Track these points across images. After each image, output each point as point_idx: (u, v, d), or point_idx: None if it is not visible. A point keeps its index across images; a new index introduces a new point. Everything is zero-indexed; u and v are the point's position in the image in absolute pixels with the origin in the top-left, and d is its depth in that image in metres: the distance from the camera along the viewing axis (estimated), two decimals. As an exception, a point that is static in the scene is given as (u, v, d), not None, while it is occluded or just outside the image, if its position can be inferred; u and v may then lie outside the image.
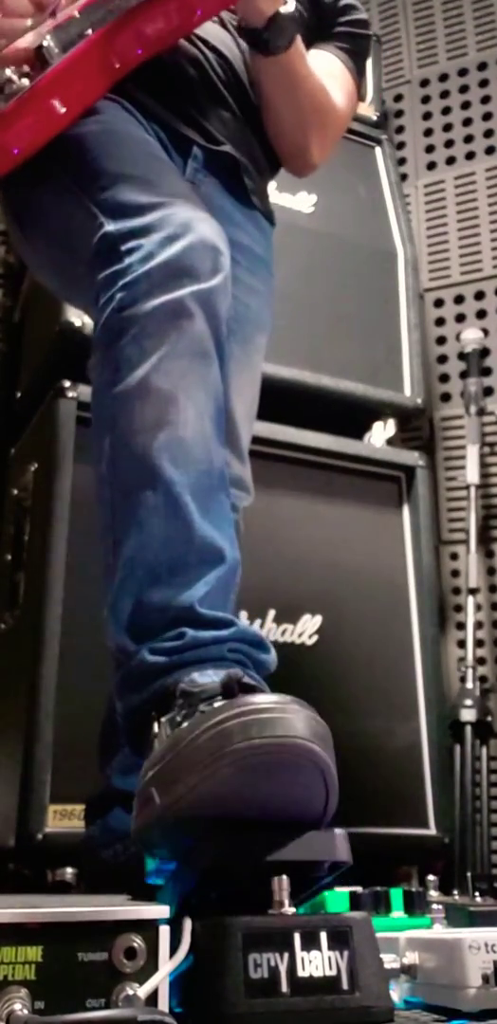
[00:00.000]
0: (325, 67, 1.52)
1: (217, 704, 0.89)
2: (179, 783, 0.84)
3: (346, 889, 1.27)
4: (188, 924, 0.76)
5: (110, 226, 1.15)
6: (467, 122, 3.03)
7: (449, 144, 3.05)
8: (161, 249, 1.11)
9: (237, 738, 0.82)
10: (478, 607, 2.63)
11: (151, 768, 0.90)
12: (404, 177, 3.01)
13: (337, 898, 1.22)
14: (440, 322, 2.95)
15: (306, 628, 2.14)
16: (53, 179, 1.25)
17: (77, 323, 2.01)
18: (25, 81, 1.15)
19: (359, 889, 1.29)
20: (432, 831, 2.15)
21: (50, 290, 1.58)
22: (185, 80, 1.40)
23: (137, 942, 0.72)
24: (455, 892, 2.14)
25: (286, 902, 0.81)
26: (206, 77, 1.42)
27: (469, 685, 2.48)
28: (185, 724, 0.89)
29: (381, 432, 2.48)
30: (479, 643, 2.65)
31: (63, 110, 1.17)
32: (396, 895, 1.34)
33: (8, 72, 1.15)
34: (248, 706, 0.84)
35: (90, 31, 1.17)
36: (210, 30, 1.43)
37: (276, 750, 0.82)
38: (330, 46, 1.55)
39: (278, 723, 0.83)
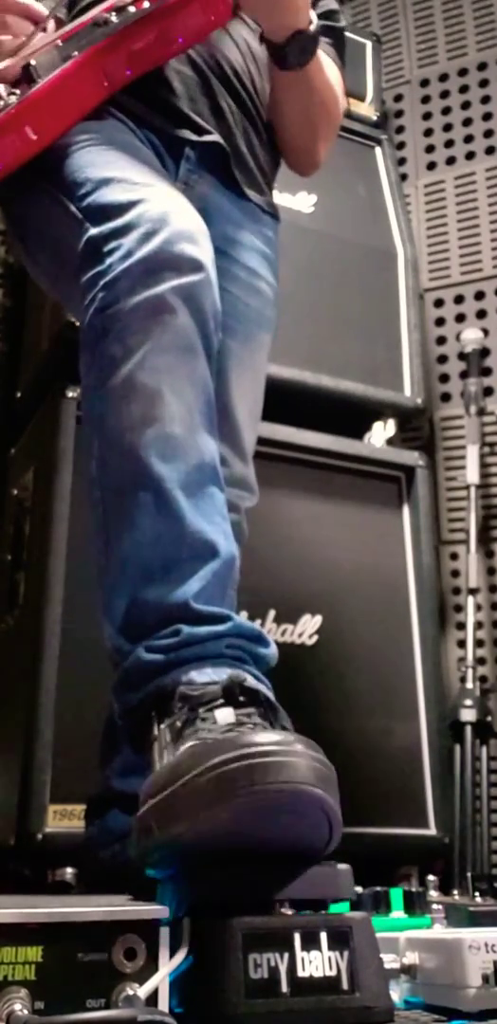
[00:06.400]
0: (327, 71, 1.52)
1: (219, 719, 0.89)
2: (178, 822, 0.83)
3: (346, 889, 1.26)
4: (188, 924, 0.77)
5: (93, 230, 1.15)
6: (467, 122, 3.03)
7: (449, 144, 3.04)
8: (139, 246, 1.10)
9: (240, 783, 0.80)
10: (478, 607, 2.63)
11: (151, 797, 0.88)
12: (404, 177, 3.00)
13: (337, 898, 1.22)
14: (440, 322, 2.95)
15: (306, 628, 2.14)
16: (42, 193, 1.26)
17: (77, 323, 2.01)
18: (13, 99, 1.17)
19: (359, 889, 1.29)
20: (432, 831, 2.15)
21: (59, 303, 1.59)
22: (177, 76, 1.39)
23: (137, 942, 0.72)
24: (455, 892, 2.14)
25: (286, 903, 0.81)
26: (200, 72, 1.41)
27: (469, 685, 2.48)
28: (186, 744, 0.88)
29: (381, 432, 2.48)
30: (479, 643, 2.64)
31: (45, 129, 1.20)
32: (396, 895, 1.34)
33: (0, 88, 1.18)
34: (251, 747, 0.82)
35: (76, 53, 1.20)
36: (213, 36, 1.43)
37: (279, 796, 0.81)
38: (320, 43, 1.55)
39: (282, 768, 0.81)
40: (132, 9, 1.21)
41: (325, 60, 1.49)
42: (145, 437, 1.05)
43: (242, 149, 1.45)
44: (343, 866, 0.87)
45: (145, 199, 1.14)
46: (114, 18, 1.21)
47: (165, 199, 1.16)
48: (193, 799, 0.82)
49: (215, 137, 1.41)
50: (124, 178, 1.19)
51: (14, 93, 1.18)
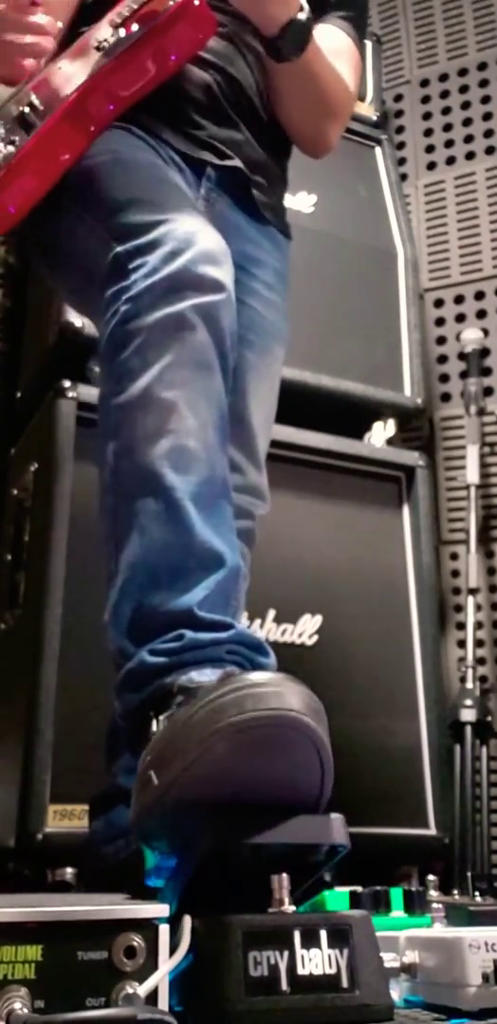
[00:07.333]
0: (332, 45, 1.51)
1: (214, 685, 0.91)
2: (176, 761, 0.86)
3: (346, 888, 1.27)
4: (188, 922, 0.77)
5: (119, 248, 1.18)
6: (467, 122, 3.03)
7: (449, 144, 3.04)
8: (164, 264, 1.13)
9: (232, 711, 0.84)
10: (478, 607, 2.63)
11: (149, 753, 0.91)
12: (404, 177, 3.00)
13: (337, 897, 1.22)
14: (440, 322, 2.95)
15: (306, 628, 2.14)
16: (68, 212, 1.29)
17: (77, 323, 2.01)
18: (11, 148, 1.22)
19: (359, 888, 1.29)
20: (432, 831, 2.15)
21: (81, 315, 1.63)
22: (193, 105, 1.41)
23: (137, 941, 0.72)
24: (455, 892, 2.14)
25: (286, 900, 0.81)
26: (214, 99, 1.43)
27: (469, 685, 2.48)
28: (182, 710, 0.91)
29: (381, 432, 2.48)
30: (479, 643, 2.64)
31: (48, 170, 1.24)
32: (396, 894, 1.34)
33: None
34: (243, 681, 0.86)
35: (69, 91, 1.24)
36: (215, 48, 1.43)
37: (270, 722, 0.84)
38: (331, 17, 1.55)
39: (272, 696, 0.84)
40: (122, 32, 1.24)
41: (334, 37, 1.50)
42: (159, 448, 1.08)
43: (257, 176, 1.48)
44: (336, 815, 0.88)
45: (170, 219, 1.17)
46: (107, 41, 1.24)
47: (189, 220, 1.19)
48: (188, 737, 0.85)
49: (236, 163, 1.44)
50: (149, 198, 1.22)
51: (12, 143, 1.23)
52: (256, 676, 0.87)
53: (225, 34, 1.44)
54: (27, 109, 1.24)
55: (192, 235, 1.16)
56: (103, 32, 1.26)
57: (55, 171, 1.24)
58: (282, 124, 1.53)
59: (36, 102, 1.24)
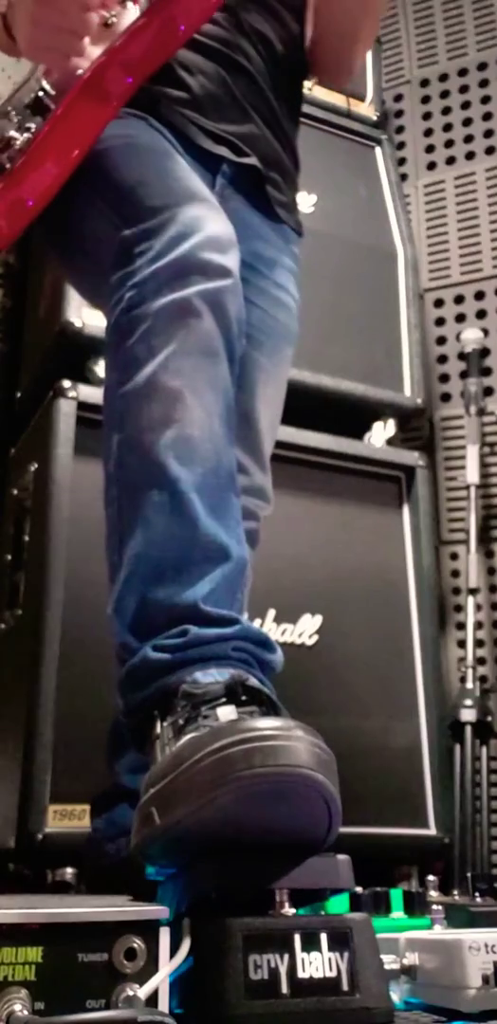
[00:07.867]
0: None
1: (221, 717, 0.89)
2: (179, 807, 0.83)
3: (346, 889, 1.26)
4: (188, 925, 0.77)
5: (126, 231, 1.16)
6: (467, 122, 3.03)
7: (449, 144, 3.05)
8: (169, 249, 1.12)
9: (240, 766, 0.81)
10: (478, 607, 2.63)
11: (152, 786, 0.89)
12: (404, 177, 3.01)
13: (337, 899, 1.22)
14: (440, 322, 2.95)
15: (306, 628, 2.14)
16: (79, 195, 1.27)
17: (77, 323, 2.01)
18: (27, 135, 1.19)
19: (359, 889, 1.29)
20: (432, 831, 2.15)
21: (89, 303, 1.62)
22: (210, 100, 1.40)
23: (137, 943, 0.72)
24: (455, 892, 2.14)
25: (286, 903, 0.81)
26: (229, 93, 1.42)
27: (469, 685, 2.48)
28: (187, 736, 0.89)
29: (381, 432, 2.48)
30: (479, 643, 2.65)
31: (66, 155, 1.21)
32: (396, 895, 1.34)
33: (11, 132, 1.20)
34: (251, 732, 0.83)
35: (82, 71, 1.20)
36: (225, 37, 1.42)
37: (279, 779, 0.81)
38: None
39: (281, 751, 0.81)
40: (131, 5, 1.21)
41: None
42: (164, 438, 1.06)
43: (272, 173, 1.47)
44: (343, 857, 0.87)
45: (178, 204, 1.16)
46: (116, 16, 1.21)
47: (197, 205, 1.18)
48: (193, 784, 0.83)
49: (253, 160, 1.42)
50: (159, 183, 1.21)
51: (28, 128, 1.20)
52: (265, 725, 0.84)
53: (233, 22, 1.43)
54: (41, 93, 1.20)
55: (198, 220, 1.15)
56: (113, 7, 1.23)
57: (73, 155, 1.20)
58: (315, 48, 1.51)
59: (47, 87, 1.21)
